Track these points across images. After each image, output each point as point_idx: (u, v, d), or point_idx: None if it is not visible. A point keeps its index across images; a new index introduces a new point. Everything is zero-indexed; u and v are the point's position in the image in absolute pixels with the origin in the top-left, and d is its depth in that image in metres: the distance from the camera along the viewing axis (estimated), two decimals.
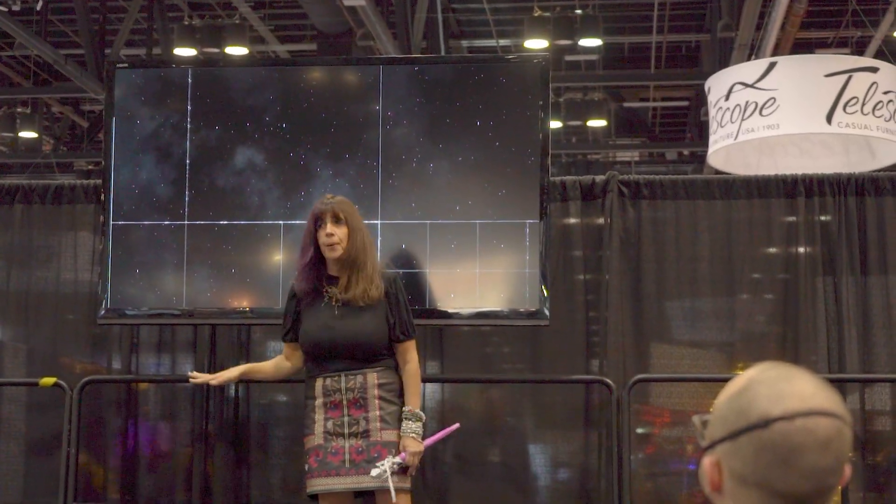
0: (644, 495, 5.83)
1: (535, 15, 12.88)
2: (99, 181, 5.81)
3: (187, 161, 5.57)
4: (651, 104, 18.76)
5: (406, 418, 4.56)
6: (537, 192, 5.39)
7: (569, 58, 15.71)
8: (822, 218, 5.88)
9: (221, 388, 5.87)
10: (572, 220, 5.97)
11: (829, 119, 8.07)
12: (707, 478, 1.72)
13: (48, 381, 5.67)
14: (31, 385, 5.95)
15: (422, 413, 4.62)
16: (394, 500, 4.45)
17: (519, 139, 5.44)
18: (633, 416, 5.72)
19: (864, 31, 13.67)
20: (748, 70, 8.61)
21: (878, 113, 8.12)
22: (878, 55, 12.40)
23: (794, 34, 12.09)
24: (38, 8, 13.04)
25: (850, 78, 8.10)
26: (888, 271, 5.82)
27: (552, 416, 5.97)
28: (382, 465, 4.47)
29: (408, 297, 4.77)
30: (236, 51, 12.99)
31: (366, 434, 4.53)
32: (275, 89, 5.58)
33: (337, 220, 4.59)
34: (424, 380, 5.37)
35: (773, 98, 8.17)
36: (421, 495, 5.55)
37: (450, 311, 5.40)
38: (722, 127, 8.56)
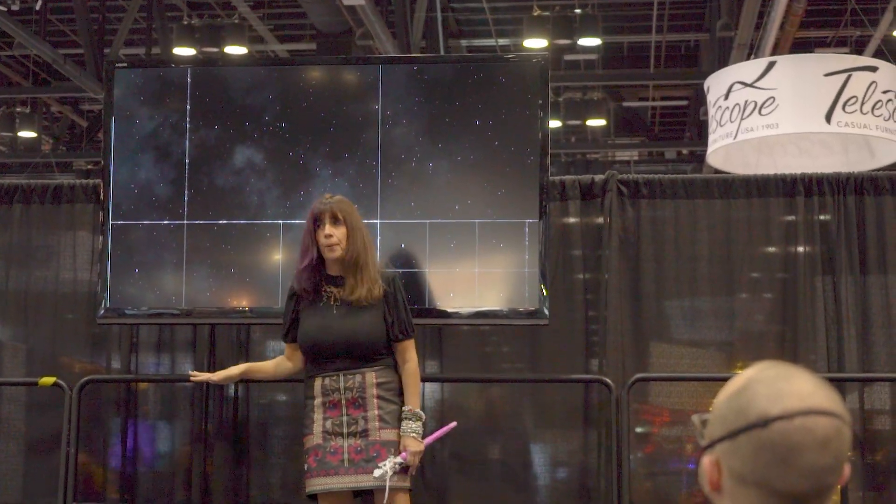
0: (643, 494, 5.83)
1: (535, 14, 12.88)
2: (98, 181, 5.81)
3: (186, 161, 5.57)
4: (650, 103, 18.76)
5: (406, 418, 4.56)
6: (536, 191, 5.39)
7: (568, 57, 15.70)
8: (822, 217, 5.88)
9: (221, 387, 5.87)
10: (571, 220, 5.97)
11: (828, 118, 8.07)
12: (706, 477, 1.72)
13: (47, 380, 5.66)
14: (31, 385, 5.95)
15: (421, 412, 4.62)
16: (385, 496, 4.45)
17: (518, 138, 5.44)
18: (633, 416, 5.72)
19: (863, 31, 13.67)
20: (747, 69, 8.61)
21: (877, 112, 8.12)
22: (878, 54, 12.40)
23: (793, 33, 12.09)
24: (38, 7, 13.04)
25: (849, 77, 8.10)
26: (887, 271, 5.82)
27: (551, 415, 5.97)
28: (384, 465, 4.47)
29: (407, 296, 4.77)
30: (235, 50, 12.99)
31: (364, 433, 4.53)
32: (274, 89, 5.58)
33: (335, 221, 4.59)
34: (424, 379, 5.38)
35: (773, 97, 8.17)
36: (421, 494, 5.55)
37: (449, 310, 5.40)
38: (721, 126, 8.56)
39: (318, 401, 4.59)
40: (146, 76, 5.72)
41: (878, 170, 7.60)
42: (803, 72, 8.35)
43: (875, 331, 5.77)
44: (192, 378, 4.90)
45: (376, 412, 4.54)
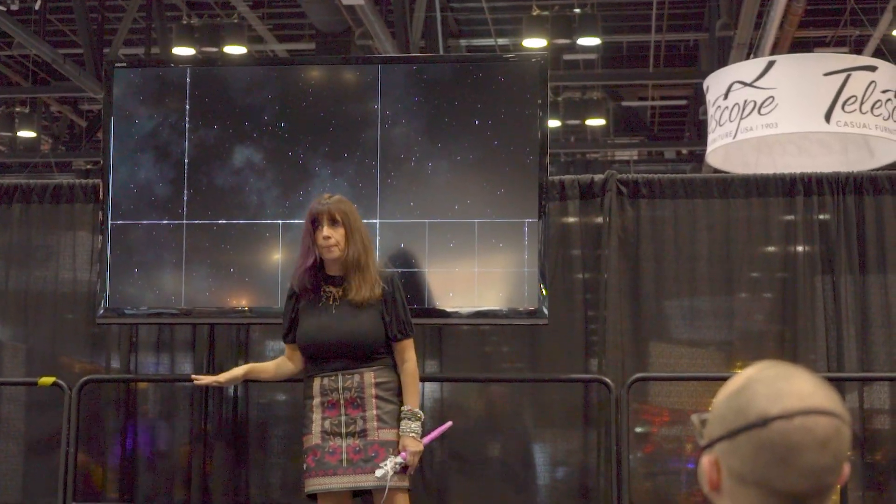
0: (643, 494, 5.83)
1: (534, 14, 12.88)
2: (97, 180, 5.80)
3: (186, 160, 5.57)
4: (650, 103, 18.76)
5: (405, 418, 4.56)
6: (536, 191, 5.39)
7: (567, 57, 15.70)
8: (821, 217, 5.88)
9: (221, 387, 5.86)
10: (571, 219, 5.97)
11: (827, 118, 8.07)
12: (706, 477, 1.72)
13: (47, 380, 5.66)
14: (30, 384, 5.95)
15: (420, 412, 4.62)
16: (384, 496, 4.46)
17: (517, 138, 5.43)
18: (632, 415, 5.72)
19: (862, 30, 13.67)
20: (747, 69, 8.61)
21: (876, 112, 8.12)
22: (877, 54, 12.40)
23: (792, 33, 12.09)
24: (37, 7, 13.03)
25: (848, 77, 8.10)
26: (887, 270, 5.82)
27: (551, 415, 5.97)
28: (385, 465, 4.47)
29: (406, 296, 4.77)
30: (235, 50, 12.99)
31: (363, 433, 4.53)
32: (273, 88, 5.58)
33: (333, 222, 4.59)
34: (423, 379, 5.38)
35: (772, 97, 8.17)
36: (420, 494, 5.55)
37: (448, 310, 5.40)
38: (720, 126, 8.56)
39: (316, 401, 4.59)
40: (145, 76, 5.72)
41: (878, 169, 7.60)
42: (803, 71, 8.35)
43: (874, 330, 5.77)
44: (196, 382, 4.89)
45: (375, 412, 4.54)
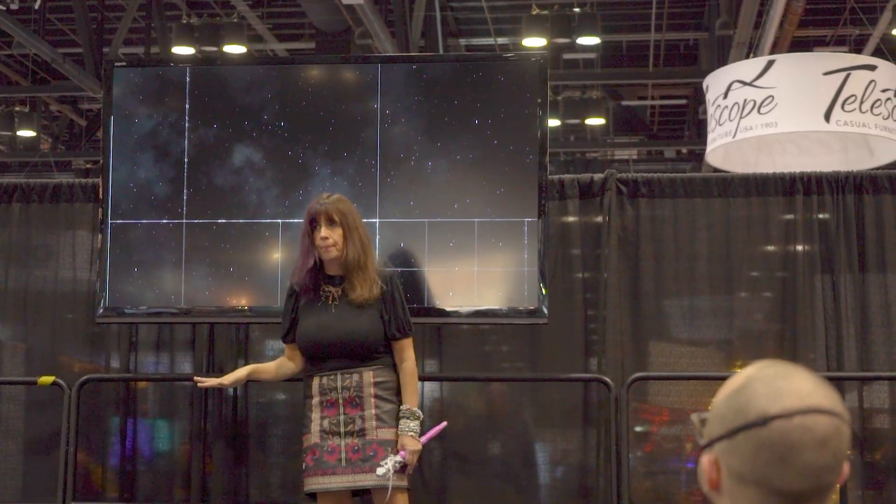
0: (643, 493, 5.83)
1: (533, 13, 12.88)
2: (97, 180, 5.80)
3: (185, 160, 5.57)
4: (649, 102, 18.76)
5: (404, 417, 4.56)
6: (536, 190, 5.39)
7: (567, 56, 15.70)
8: (821, 216, 5.88)
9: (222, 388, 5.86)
10: (571, 219, 5.97)
11: (827, 117, 8.07)
12: (705, 476, 1.72)
13: (47, 379, 5.66)
14: (30, 384, 5.95)
15: (419, 411, 4.62)
16: (388, 495, 4.46)
17: (517, 137, 5.43)
18: (632, 415, 5.72)
19: (862, 29, 13.67)
20: (746, 68, 8.61)
21: (876, 111, 8.12)
22: (877, 53, 12.40)
23: (792, 32, 12.09)
24: (37, 7, 13.03)
25: (848, 76, 8.10)
26: (886, 269, 5.82)
27: (551, 414, 5.97)
28: (386, 463, 4.47)
29: (406, 295, 4.77)
30: (234, 49, 12.98)
31: (362, 433, 4.53)
32: (273, 88, 5.58)
33: (331, 223, 4.59)
34: (423, 378, 5.38)
35: (772, 96, 8.17)
36: (419, 493, 5.55)
37: (448, 309, 5.40)
38: (720, 125, 8.56)
39: (315, 400, 4.59)
40: (145, 75, 5.72)
41: (877, 168, 7.60)
42: (802, 70, 8.36)
43: (874, 329, 5.77)
44: (199, 384, 4.88)
45: (373, 411, 4.54)
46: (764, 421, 1.65)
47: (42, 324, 6.13)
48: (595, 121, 16.72)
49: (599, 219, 5.93)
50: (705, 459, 1.72)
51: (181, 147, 5.57)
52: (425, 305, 5.34)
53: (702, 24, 15.10)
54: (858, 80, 8.09)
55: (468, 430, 5.95)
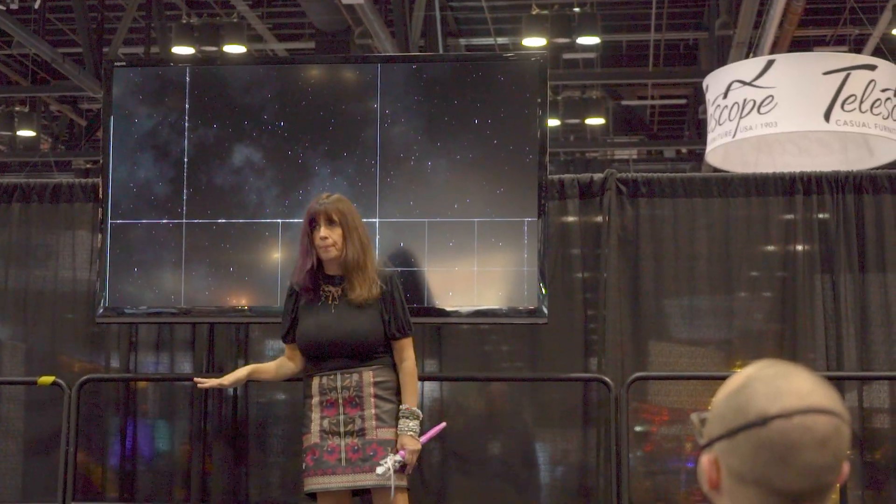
0: (642, 493, 5.83)
1: (533, 13, 12.88)
2: (97, 180, 5.80)
3: (185, 159, 5.57)
4: (649, 102, 18.76)
5: (403, 416, 4.56)
6: (535, 190, 5.39)
7: (567, 56, 15.70)
8: (821, 216, 5.88)
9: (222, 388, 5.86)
10: (570, 218, 5.97)
11: (827, 117, 8.07)
12: (705, 476, 1.72)
13: (46, 379, 5.66)
14: (30, 384, 5.94)
15: (419, 411, 4.62)
16: (392, 494, 4.46)
17: (517, 137, 5.43)
18: (632, 414, 5.72)
19: (862, 29, 13.67)
20: (746, 68, 8.61)
21: (875, 111, 8.12)
22: (876, 53, 12.40)
23: (791, 32, 12.09)
24: (37, 6, 13.02)
25: (848, 76, 8.10)
26: (886, 269, 5.82)
27: (551, 414, 5.97)
28: (385, 462, 4.46)
29: (406, 295, 4.76)
30: (234, 49, 12.99)
31: (361, 432, 4.53)
32: (273, 87, 5.58)
33: (330, 223, 4.59)
34: (423, 378, 5.38)
35: (771, 96, 8.17)
36: (419, 493, 5.55)
37: (448, 309, 5.40)
38: (720, 125, 8.56)
39: (315, 400, 4.59)
40: (145, 75, 5.72)
41: (877, 168, 7.60)
42: (802, 70, 8.36)
43: (874, 329, 5.77)
44: (199, 385, 4.88)
45: (373, 411, 4.54)
46: (764, 421, 1.65)
47: (42, 324, 6.13)
48: (595, 121, 16.73)
49: (599, 218, 5.93)
50: (705, 459, 1.72)
51: (181, 147, 5.57)
52: (425, 305, 5.34)
53: (701, 24, 15.10)
54: (858, 80, 8.10)
55: (468, 430, 5.95)
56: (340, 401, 4.55)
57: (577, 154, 19.87)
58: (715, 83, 8.77)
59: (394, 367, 4.63)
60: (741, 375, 1.74)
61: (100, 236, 5.61)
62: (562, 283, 5.87)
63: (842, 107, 8.04)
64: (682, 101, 18.45)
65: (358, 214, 4.71)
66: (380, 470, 4.45)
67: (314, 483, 4.57)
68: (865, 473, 5.73)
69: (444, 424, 4.89)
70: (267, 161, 5.52)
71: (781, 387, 1.68)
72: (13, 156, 18.18)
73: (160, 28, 13.73)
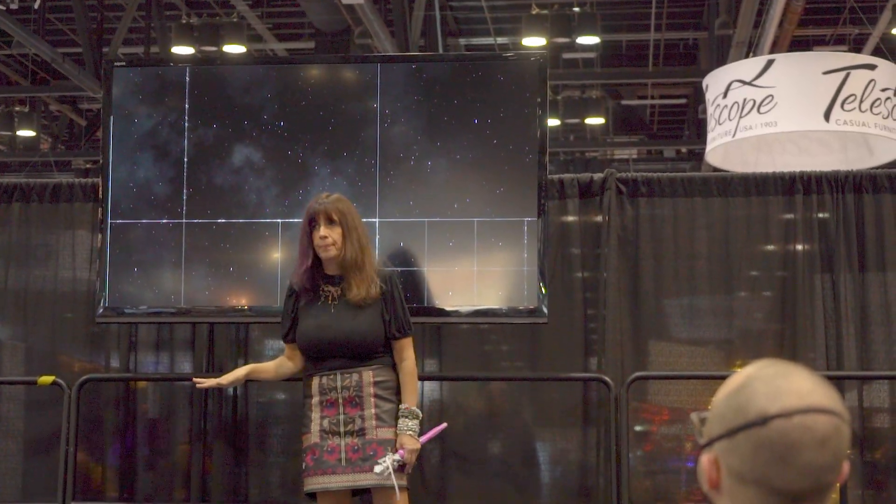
0: (642, 493, 5.83)
1: (533, 13, 12.88)
2: (97, 179, 5.80)
3: (185, 159, 5.57)
4: (649, 102, 18.77)
5: (403, 416, 4.56)
6: (535, 189, 5.39)
7: (566, 55, 15.70)
8: (820, 215, 5.88)
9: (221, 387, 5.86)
10: (570, 218, 5.97)
11: (826, 116, 8.07)
12: (705, 475, 1.72)
13: (46, 379, 5.66)
14: (30, 383, 5.94)
15: (418, 411, 4.62)
16: (397, 495, 4.46)
17: (517, 137, 5.43)
18: (632, 414, 5.72)
19: (861, 29, 13.67)
20: (746, 67, 8.61)
21: (875, 110, 8.12)
22: (876, 52, 12.40)
23: (791, 31, 12.09)
24: (36, 6, 13.02)
25: (847, 75, 8.10)
26: (886, 268, 5.82)
27: (551, 413, 5.97)
28: (384, 461, 4.46)
29: (405, 294, 4.77)
30: (234, 49, 12.99)
31: (361, 432, 4.53)
32: (273, 87, 5.58)
33: (330, 222, 4.59)
34: (423, 378, 5.38)
35: (771, 95, 8.17)
36: (419, 493, 5.55)
37: (448, 309, 5.40)
38: (720, 124, 8.56)
39: (315, 399, 4.59)
40: (145, 75, 5.72)
41: (877, 168, 7.60)
42: (802, 70, 8.36)
43: (874, 329, 5.77)
44: (198, 385, 4.88)
45: (373, 411, 4.54)
46: (764, 420, 1.65)
47: (42, 323, 6.13)
48: (595, 120, 16.73)
49: (599, 218, 5.92)
50: (705, 459, 1.72)
51: (181, 147, 5.57)
52: (425, 305, 5.34)
53: (701, 24, 15.10)
54: (858, 80, 8.09)
55: (468, 430, 5.95)
56: (340, 400, 4.55)
57: (577, 154, 19.87)
58: (715, 83, 8.77)
59: (394, 367, 4.63)
60: (741, 375, 1.74)
61: (100, 236, 5.61)
62: (562, 282, 5.87)
63: (842, 106, 8.04)
64: (682, 101, 18.45)
65: (357, 214, 4.71)
66: (378, 469, 4.46)
67: (314, 483, 4.57)
68: (865, 473, 5.73)
69: (444, 425, 4.89)
70: (267, 161, 5.52)
71: (781, 386, 1.68)
72: (13, 156, 18.18)
73: (160, 28, 13.73)
